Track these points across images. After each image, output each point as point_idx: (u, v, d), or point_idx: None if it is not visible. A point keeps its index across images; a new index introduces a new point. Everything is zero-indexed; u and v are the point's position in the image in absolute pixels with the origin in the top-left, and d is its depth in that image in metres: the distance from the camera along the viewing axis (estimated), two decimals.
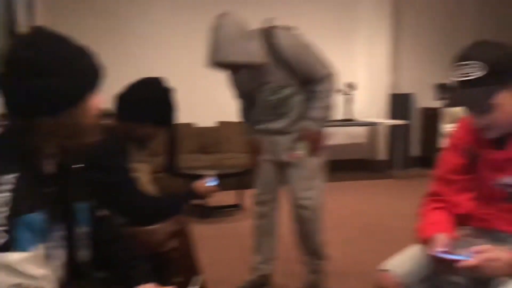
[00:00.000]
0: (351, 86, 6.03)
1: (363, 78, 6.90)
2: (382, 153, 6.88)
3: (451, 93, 1.46)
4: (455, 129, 1.69)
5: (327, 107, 2.51)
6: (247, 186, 4.86)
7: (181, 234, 2.10)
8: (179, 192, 2.23)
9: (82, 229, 1.25)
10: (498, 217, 1.53)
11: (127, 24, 6.02)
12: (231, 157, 5.65)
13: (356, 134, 7.07)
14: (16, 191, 0.97)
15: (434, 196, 1.67)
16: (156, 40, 6.12)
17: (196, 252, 2.18)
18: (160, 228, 2.01)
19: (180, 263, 2.07)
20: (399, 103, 6.95)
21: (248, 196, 4.76)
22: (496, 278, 1.38)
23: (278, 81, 2.43)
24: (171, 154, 2.08)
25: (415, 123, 7.19)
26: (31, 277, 0.95)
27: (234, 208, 4.67)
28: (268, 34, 2.40)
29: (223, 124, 6.18)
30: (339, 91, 6.01)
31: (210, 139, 6.12)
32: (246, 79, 2.53)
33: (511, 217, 1.51)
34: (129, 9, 6.03)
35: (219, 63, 2.31)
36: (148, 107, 1.86)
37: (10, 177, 0.98)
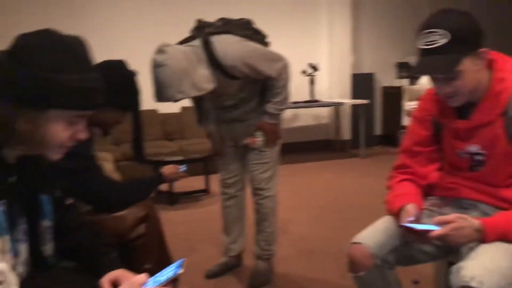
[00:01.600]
0: (314, 67, 6.04)
1: (326, 59, 6.93)
2: (346, 133, 6.97)
3: (416, 60, 1.46)
4: (420, 101, 1.70)
5: (284, 101, 2.51)
6: (213, 171, 4.83)
7: (149, 220, 2.04)
8: (146, 177, 2.20)
9: (46, 223, 1.19)
10: (463, 186, 1.56)
11: (90, 7, 5.80)
12: (195, 143, 5.58)
13: (320, 115, 7.12)
14: None
15: (401, 169, 1.69)
16: (119, 23, 5.92)
17: (165, 238, 2.14)
18: (127, 214, 1.95)
19: (148, 249, 2.02)
20: (361, 83, 7.04)
21: (215, 181, 4.74)
22: (464, 245, 1.41)
23: (233, 90, 2.43)
24: (138, 141, 2.01)
25: (377, 102, 7.31)
26: None
27: (201, 193, 4.63)
28: (209, 50, 2.30)
29: (187, 110, 6.08)
30: (302, 72, 6.03)
31: (174, 125, 6.03)
32: (201, 97, 2.56)
33: (475, 185, 1.54)
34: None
35: (168, 100, 2.27)
36: (110, 91, 1.78)
37: None
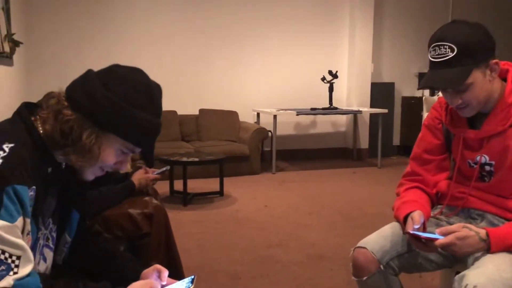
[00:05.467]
0: (333, 74, 6.04)
1: (345, 66, 6.93)
2: (363, 142, 6.93)
3: (426, 74, 1.47)
4: (431, 109, 1.70)
5: None
6: (227, 173, 4.87)
7: (155, 219, 2.06)
8: (117, 186, 2.11)
9: (67, 238, 1.28)
10: (471, 196, 1.55)
11: (108, 15, 5.92)
12: (211, 145, 5.63)
13: (338, 122, 7.10)
14: (8, 159, 0.98)
15: (410, 176, 1.69)
16: (138, 30, 6.03)
17: (173, 237, 2.15)
18: (133, 213, 1.98)
19: (154, 248, 2.04)
20: (381, 92, 7.00)
21: (228, 183, 4.77)
22: (470, 255, 1.40)
23: None
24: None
25: (397, 112, 7.26)
26: (13, 244, 0.95)
27: (214, 195, 4.66)
28: None
29: (204, 112, 6.15)
30: (322, 79, 6.03)
31: (191, 127, 6.09)
32: None
33: (484, 195, 1.53)
34: (110, 0, 5.93)
35: None
36: None
37: (7, 146, 1.00)
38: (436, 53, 1.40)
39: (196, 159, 4.56)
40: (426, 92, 6.42)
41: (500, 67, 1.44)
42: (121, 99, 1.08)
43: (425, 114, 4.84)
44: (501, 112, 1.45)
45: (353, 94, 6.87)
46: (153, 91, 1.15)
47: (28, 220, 1.02)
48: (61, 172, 1.16)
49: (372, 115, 6.82)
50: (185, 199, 4.38)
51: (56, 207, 1.20)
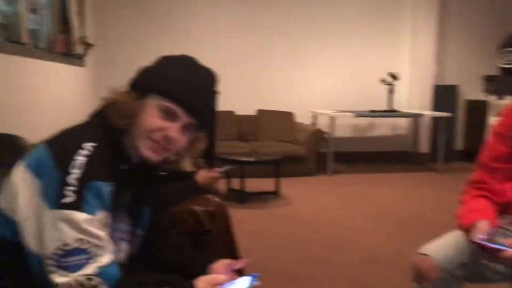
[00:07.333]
0: (393, 76, 5.91)
1: (407, 68, 6.75)
2: (424, 146, 6.73)
3: (496, 80, 1.43)
4: (501, 115, 1.64)
5: None
6: (284, 174, 4.90)
7: (218, 217, 2.13)
8: (181, 184, 2.19)
9: (140, 232, 1.33)
10: None
11: (172, 17, 6.13)
12: (268, 145, 5.68)
13: (398, 125, 6.94)
14: (90, 158, 1.05)
15: (476, 184, 1.64)
16: (200, 31, 6.20)
17: (234, 235, 2.21)
18: (198, 210, 2.06)
19: (216, 245, 2.11)
20: (444, 95, 6.76)
21: (284, 184, 4.80)
22: None
23: None
24: (211, 154, 2.10)
25: (460, 116, 6.98)
26: (95, 235, 1.02)
27: (270, 195, 4.70)
28: None
29: (262, 113, 6.21)
30: (381, 81, 5.92)
31: (249, 127, 6.18)
32: None
33: None
34: (174, 3, 6.13)
35: None
36: None
37: (89, 145, 1.07)
38: (507, 59, 1.35)
39: (253, 159, 4.64)
40: (493, 95, 6.12)
41: None
42: (158, 65, 1.18)
43: (490, 118, 4.64)
44: None
45: (414, 97, 6.68)
46: (195, 64, 1.20)
47: (107, 214, 1.10)
48: (136, 169, 1.23)
49: (434, 119, 6.60)
50: (242, 198, 4.46)
51: (130, 203, 1.27)
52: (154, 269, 1.33)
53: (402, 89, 6.66)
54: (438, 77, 6.77)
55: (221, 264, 1.32)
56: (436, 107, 6.61)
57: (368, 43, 6.63)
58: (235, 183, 4.62)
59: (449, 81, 6.91)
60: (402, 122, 6.93)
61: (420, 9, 6.53)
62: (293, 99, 6.48)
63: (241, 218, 3.90)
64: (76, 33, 4.17)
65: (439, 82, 6.79)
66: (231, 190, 4.74)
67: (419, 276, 1.50)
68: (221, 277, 1.18)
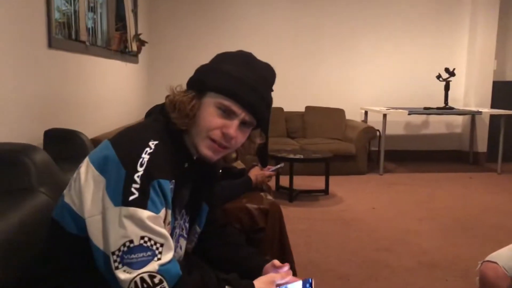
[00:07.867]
0: (450, 72, 5.67)
1: (464, 64, 6.48)
2: (481, 145, 6.43)
3: None
4: None
5: None
6: (333, 172, 4.82)
7: (271, 215, 2.12)
8: (237, 181, 2.22)
9: (198, 229, 1.34)
10: None
11: (222, 16, 6.17)
12: (317, 143, 5.61)
13: (454, 123, 6.68)
14: (154, 156, 1.06)
15: None
16: (250, 27, 6.20)
17: (286, 233, 2.20)
18: (252, 208, 2.06)
19: (269, 242, 2.10)
20: (504, 92, 6.42)
21: (333, 182, 4.72)
22: None
23: None
24: (264, 152, 2.09)
25: None
26: (158, 233, 1.02)
27: (320, 193, 4.64)
28: None
29: (310, 110, 6.14)
30: (437, 77, 5.69)
31: (297, 124, 6.13)
32: None
33: None
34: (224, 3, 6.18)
35: None
36: None
37: (153, 144, 1.08)
38: None
39: (303, 157, 4.59)
40: None
41: None
42: (214, 62, 1.18)
43: None
44: None
45: (472, 93, 6.40)
46: (253, 60, 1.19)
47: (169, 211, 1.10)
48: (196, 167, 1.23)
49: (492, 116, 6.29)
50: (291, 196, 4.43)
51: (189, 200, 1.28)
52: (209, 266, 1.33)
53: (458, 85, 6.40)
54: (498, 73, 6.45)
55: (270, 265, 1.30)
56: (495, 104, 6.29)
57: (423, 38, 6.40)
58: (284, 181, 4.59)
59: (509, 77, 6.56)
60: (458, 120, 6.66)
61: (480, 1, 6.22)
62: (342, 95, 6.37)
63: (291, 216, 3.86)
64: (130, 30, 4.27)
65: (499, 78, 6.46)
66: (279, 188, 4.72)
67: (487, 285, 1.42)
68: (277, 276, 1.17)
